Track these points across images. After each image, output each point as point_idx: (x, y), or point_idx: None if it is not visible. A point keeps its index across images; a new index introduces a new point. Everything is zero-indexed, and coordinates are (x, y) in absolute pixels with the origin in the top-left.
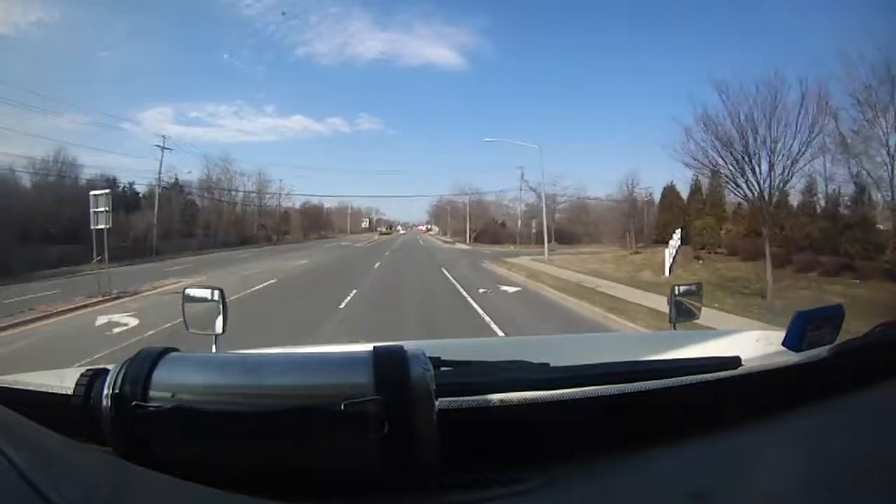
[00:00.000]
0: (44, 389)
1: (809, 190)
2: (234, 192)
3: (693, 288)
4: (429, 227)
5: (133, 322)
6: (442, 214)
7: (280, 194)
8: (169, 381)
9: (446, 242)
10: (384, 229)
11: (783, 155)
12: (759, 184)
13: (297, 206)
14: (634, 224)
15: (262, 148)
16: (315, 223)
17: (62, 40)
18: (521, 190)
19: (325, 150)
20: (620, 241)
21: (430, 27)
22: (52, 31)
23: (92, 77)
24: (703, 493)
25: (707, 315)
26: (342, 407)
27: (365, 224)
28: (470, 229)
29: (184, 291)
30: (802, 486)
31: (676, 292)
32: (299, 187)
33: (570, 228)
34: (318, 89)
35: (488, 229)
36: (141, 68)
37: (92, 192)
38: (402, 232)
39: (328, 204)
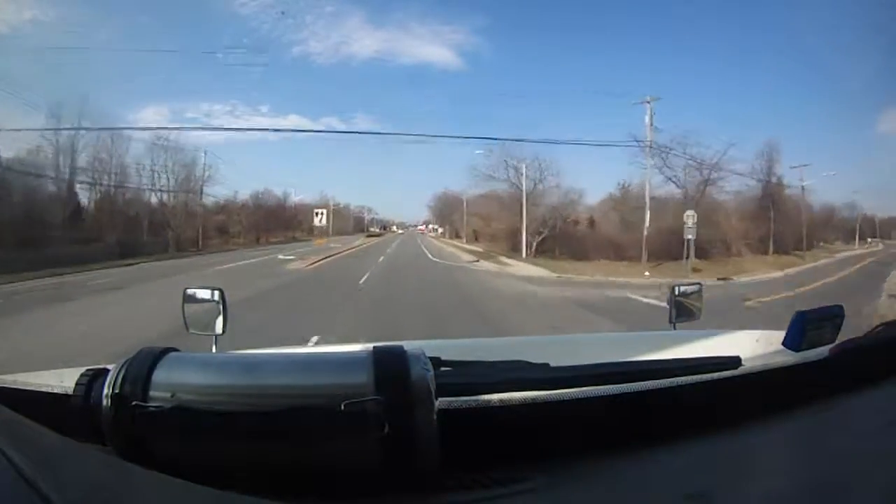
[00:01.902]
0: (44, 389)
1: None
2: (104, 173)
3: (693, 288)
4: (431, 226)
5: None
6: (454, 207)
7: (204, 176)
8: (169, 381)
9: (479, 256)
10: (376, 229)
11: None
12: None
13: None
14: (776, 225)
15: (259, 147)
16: (275, 222)
17: (54, 39)
18: (649, 146)
19: (322, 149)
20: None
21: (426, 26)
22: (46, 29)
23: (84, 77)
24: (703, 493)
25: None
26: (342, 407)
27: (318, 219)
28: (527, 232)
29: (184, 291)
30: (802, 486)
31: (676, 292)
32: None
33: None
34: (313, 89)
35: (559, 232)
36: (135, 67)
37: None
38: (399, 232)
39: (306, 198)
